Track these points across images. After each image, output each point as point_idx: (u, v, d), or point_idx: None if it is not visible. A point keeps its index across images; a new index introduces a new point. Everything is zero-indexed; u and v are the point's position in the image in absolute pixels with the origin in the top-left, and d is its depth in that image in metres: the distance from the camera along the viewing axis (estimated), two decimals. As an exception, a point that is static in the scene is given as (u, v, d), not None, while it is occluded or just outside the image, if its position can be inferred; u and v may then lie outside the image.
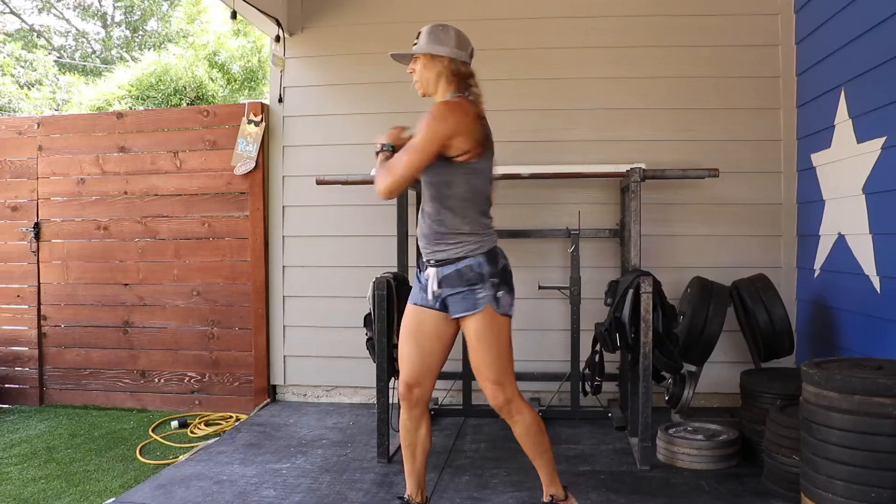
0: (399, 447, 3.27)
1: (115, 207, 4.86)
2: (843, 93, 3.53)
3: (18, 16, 18.09)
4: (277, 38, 4.55)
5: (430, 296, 2.52)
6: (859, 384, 2.29)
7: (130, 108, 9.55)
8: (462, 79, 2.52)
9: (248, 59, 12.27)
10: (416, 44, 2.53)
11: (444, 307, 2.52)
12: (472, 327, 2.46)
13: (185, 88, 10.77)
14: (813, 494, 2.44)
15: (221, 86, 11.60)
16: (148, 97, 10.67)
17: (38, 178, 4.96)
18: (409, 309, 2.61)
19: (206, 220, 4.74)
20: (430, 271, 2.51)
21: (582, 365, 3.74)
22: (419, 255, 2.70)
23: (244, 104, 4.69)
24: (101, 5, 18.66)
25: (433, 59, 2.50)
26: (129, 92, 10.81)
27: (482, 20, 4.29)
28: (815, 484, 2.42)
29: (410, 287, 3.66)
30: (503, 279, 2.47)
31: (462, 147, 2.39)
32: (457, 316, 2.48)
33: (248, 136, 4.60)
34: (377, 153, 2.55)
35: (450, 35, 2.50)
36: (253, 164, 4.59)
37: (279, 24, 4.48)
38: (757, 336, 3.69)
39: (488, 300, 2.43)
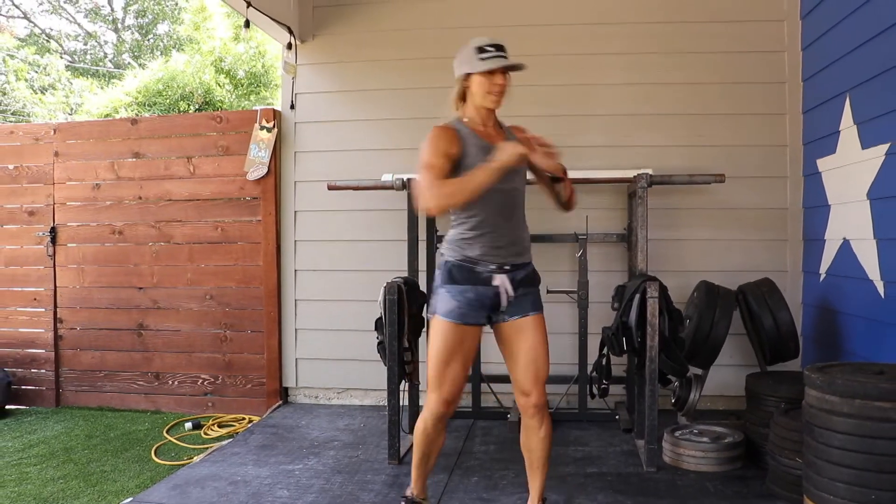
0: (409, 448, 3.33)
1: (130, 212, 4.93)
2: (848, 99, 3.56)
3: (28, 18, 18.27)
4: (289, 46, 4.61)
5: (503, 303, 2.52)
6: (860, 388, 2.33)
7: (137, 115, 9.65)
8: None
9: (253, 64, 12.34)
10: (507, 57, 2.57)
11: (491, 317, 2.54)
12: (542, 325, 2.57)
13: (193, 94, 10.86)
14: (815, 497, 2.48)
15: (228, 91, 11.67)
16: (155, 103, 10.76)
17: (54, 184, 5.05)
18: (451, 328, 2.49)
19: (219, 224, 4.81)
20: (501, 277, 2.50)
21: (589, 368, 3.77)
22: (459, 270, 2.51)
23: (257, 110, 4.76)
24: (112, 9, 18.80)
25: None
26: (136, 99, 10.91)
27: (492, 28, 4.29)
28: (817, 486, 2.46)
29: (421, 291, 3.72)
30: None
31: None
32: (526, 316, 2.54)
33: (261, 142, 4.67)
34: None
35: None
36: (265, 170, 4.66)
37: (291, 32, 4.55)
38: (762, 340, 3.73)
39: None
